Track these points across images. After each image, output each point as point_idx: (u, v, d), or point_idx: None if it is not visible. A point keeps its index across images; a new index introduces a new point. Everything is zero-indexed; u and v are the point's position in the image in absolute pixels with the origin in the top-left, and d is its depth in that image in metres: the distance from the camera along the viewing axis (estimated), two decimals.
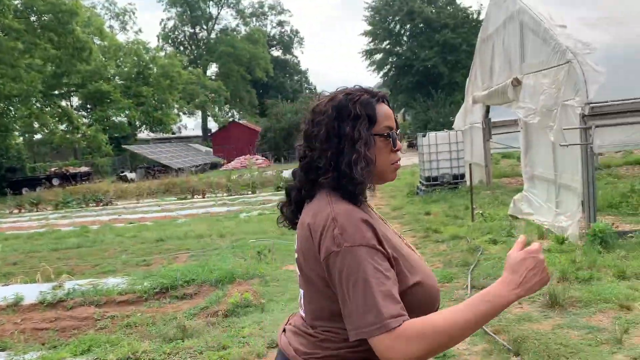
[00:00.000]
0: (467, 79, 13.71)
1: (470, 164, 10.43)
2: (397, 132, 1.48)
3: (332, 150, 1.39)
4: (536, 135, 8.23)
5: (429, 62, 37.88)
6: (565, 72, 6.89)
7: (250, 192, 18.65)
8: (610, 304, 4.38)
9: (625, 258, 5.52)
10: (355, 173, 1.36)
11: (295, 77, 66.29)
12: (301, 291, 1.48)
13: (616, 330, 3.78)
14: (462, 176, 12.59)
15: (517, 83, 8.52)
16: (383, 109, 1.46)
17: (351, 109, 1.41)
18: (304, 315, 1.47)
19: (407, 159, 23.63)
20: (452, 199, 11.14)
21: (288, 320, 1.60)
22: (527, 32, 8.44)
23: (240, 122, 50.34)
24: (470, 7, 41.48)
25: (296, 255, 1.47)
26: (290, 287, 5.75)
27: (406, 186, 14.13)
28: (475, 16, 38.42)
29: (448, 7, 40.30)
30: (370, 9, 41.36)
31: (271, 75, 56.15)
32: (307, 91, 62.74)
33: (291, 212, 1.52)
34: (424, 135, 13.13)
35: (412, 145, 29.20)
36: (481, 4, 41.76)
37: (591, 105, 6.31)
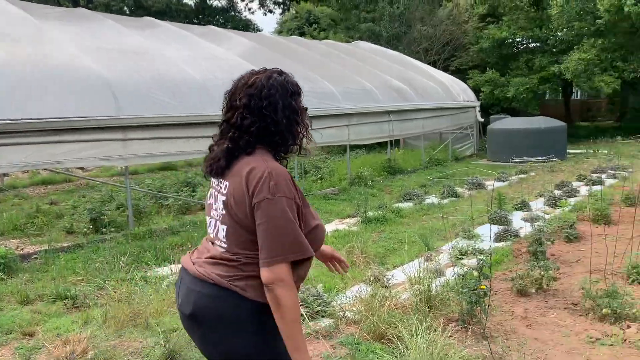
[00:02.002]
0: None
1: None
2: None
3: (286, 119, 1.78)
4: None
5: None
6: None
7: None
8: (13, 334, 4.11)
9: (30, 281, 5.37)
10: (298, 138, 1.85)
11: None
12: (223, 227, 1.83)
13: None
14: None
15: None
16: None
17: (289, 87, 1.81)
18: (225, 247, 1.82)
19: None
20: None
21: (193, 256, 1.94)
22: None
23: None
24: None
25: (224, 198, 1.82)
26: None
27: None
28: None
29: None
30: None
31: None
32: None
33: (221, 166, 1.83)
34: None
35: None
36: None
37: None
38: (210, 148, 1.91)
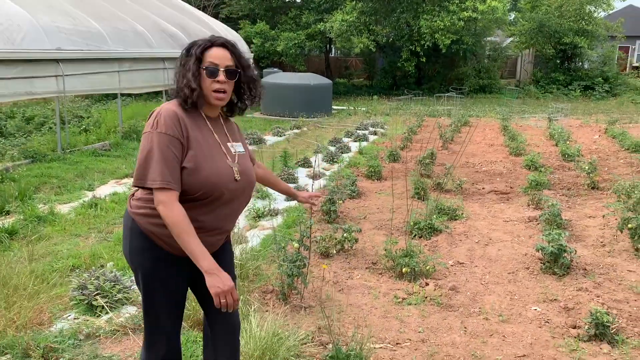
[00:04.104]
0: None
1: None
2: (224, 69, 2.07)
3: (178, 76, 2.10)
4: None
5: None
6: None
7: None
8: None
9: None
10: (185, 91, 2.05)
11: None
12: None
13: None
14: None
15: None
16: (212, 52, 2.08)
17: (191, 50, 2.09)
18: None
19: None
20: None
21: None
22: None
23: None
24: None
25: None
26: None
27: None
28: None
29: None
30: None
31: None
32: None
33: None
34: None
35: None
36: None
37: None
38: None
